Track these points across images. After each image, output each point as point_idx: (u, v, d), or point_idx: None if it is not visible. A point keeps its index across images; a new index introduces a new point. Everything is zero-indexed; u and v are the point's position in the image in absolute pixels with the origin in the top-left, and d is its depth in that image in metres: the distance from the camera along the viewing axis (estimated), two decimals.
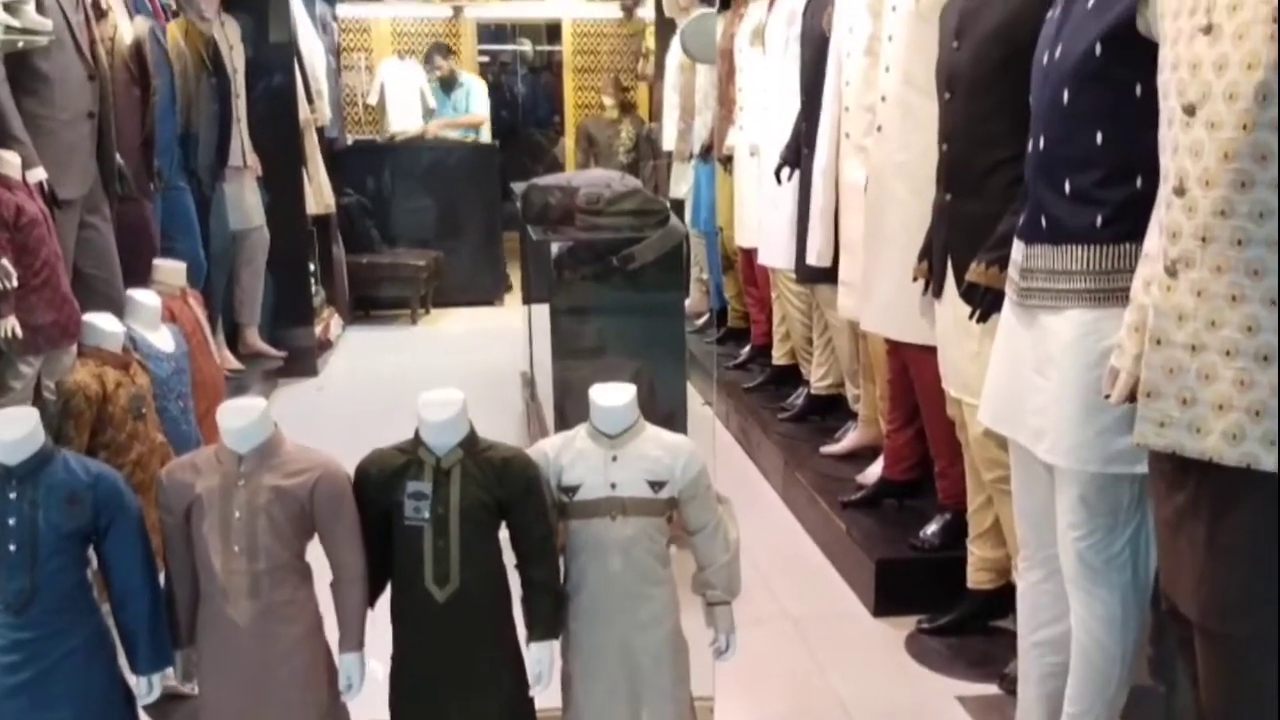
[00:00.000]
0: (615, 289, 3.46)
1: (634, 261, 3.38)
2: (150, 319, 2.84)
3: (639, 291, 3.46)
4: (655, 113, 8.14)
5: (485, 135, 8.12)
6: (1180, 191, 1.56)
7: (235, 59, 5.28)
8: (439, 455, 1.88)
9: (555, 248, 3.52)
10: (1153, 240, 1.71)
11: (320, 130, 6.38)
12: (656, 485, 1.98)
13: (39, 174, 3.16)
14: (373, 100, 8.53)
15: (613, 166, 8.14)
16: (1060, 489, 2.02)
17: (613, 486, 1.97)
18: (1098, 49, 1.91)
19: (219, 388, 3.24)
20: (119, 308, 2.89)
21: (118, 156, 3.64)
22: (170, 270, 3.26)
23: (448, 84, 8.18)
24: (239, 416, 1.85)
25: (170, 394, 2.80)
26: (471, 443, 1.91)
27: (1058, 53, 2.01)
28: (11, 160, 3.00)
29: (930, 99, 2.72)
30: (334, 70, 7.01)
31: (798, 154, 4.07)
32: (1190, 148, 1.54)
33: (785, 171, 4.16)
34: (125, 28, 3.90)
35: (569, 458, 2.00)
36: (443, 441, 1.89)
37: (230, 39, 5.26)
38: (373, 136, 8.18)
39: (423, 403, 1.89)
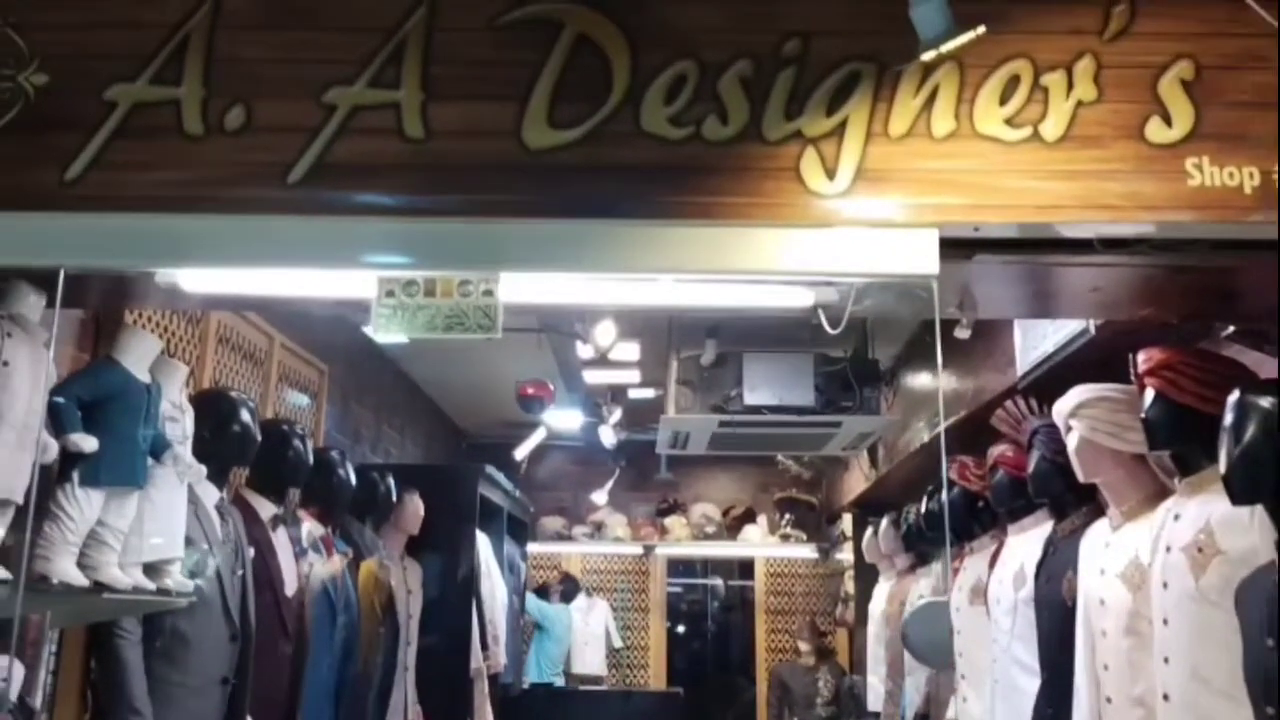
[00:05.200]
0: None
1: None
2: None
3: None
4: (857, 664, 7.47)
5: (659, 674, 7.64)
6: None
7: (412, 605, 5.04)
8: None
9: None
10: None
11: (494, 677, 5.97)
12: None
13: None
14: None
15: (810, 719, 7.40)
16: None
17: None
18: None
19: None
20: None
21: None
22: None
23: (568, 598, 8.13)
24: None
25: None
26: None
27: None
28: None
29: (1241, 705, 2.04)
30: (516, 611, 6.76)
31: None
32: None
33: None
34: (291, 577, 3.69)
35: None
36: None
37: (410, 583, 5.07)
38: (551, 680, 7.74)
39: None
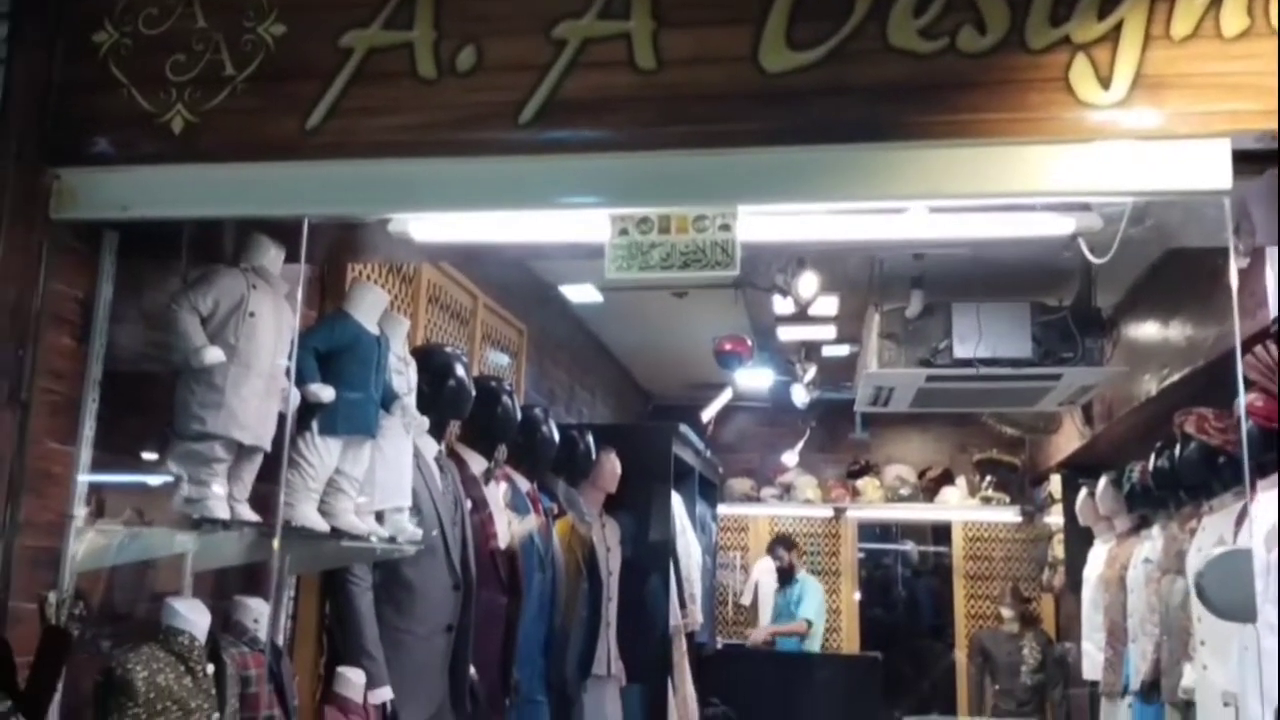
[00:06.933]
0: None
1: None
2: None
3: None
4: (1064, 631, 7.11)
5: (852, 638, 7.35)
6: None
7: (611, 561, 5.05)
8: None
9: None
10: None
11: (690, 635, 5.95)
12: None
13: (384, 694, 2.88)
14: (745, 600, 8.16)
15: (1015, 688, 7.10)
16: None
17: None
18: None
19: None
20: None
21: (473, 671, 3.31)
22: None
23: (785, 578, 7.68)
24: None
25: None
26: None
27: None
28: (354, 680, 2.72)
29: None
30: (709, 570, 6.71)
31: None
32: None
33: None
34: (503, 530, 3.74)
35: None
36: None
37: (609, 540, 5.08)
38: (741, 641, 7.69)
39: None
